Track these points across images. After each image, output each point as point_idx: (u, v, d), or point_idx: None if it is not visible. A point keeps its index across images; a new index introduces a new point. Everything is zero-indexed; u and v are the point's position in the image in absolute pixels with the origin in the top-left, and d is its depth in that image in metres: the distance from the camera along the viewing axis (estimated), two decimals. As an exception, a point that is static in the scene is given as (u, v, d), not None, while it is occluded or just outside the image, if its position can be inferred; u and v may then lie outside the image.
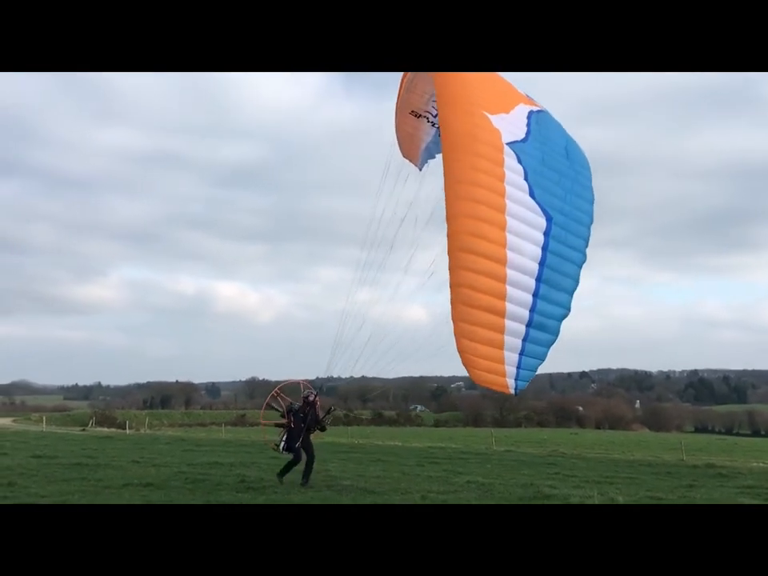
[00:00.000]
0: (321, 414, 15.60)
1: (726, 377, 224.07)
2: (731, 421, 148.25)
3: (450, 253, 9.30)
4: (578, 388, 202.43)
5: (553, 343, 10.71)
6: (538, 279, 10.02)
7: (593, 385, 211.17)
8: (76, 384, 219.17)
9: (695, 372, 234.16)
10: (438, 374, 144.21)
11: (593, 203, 11.21)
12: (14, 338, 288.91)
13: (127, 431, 51.97)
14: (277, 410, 15.76)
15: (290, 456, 15.23)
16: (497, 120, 10.07)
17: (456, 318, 9.32)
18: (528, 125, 10.69)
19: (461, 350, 9.44)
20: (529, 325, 10.08)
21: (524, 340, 10.13)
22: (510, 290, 9.64)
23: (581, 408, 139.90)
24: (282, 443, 14.99)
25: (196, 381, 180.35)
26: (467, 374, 9.84)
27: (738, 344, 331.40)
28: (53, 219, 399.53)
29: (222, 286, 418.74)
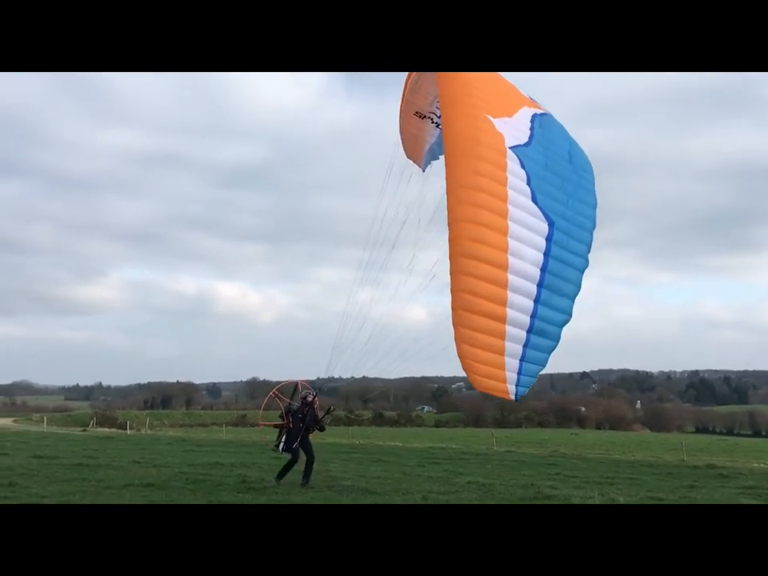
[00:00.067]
0: (320, 414, 15.63)
1: (726, 377, 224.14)
2: (732, 421, 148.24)
3: (451, 258, 9.26)
4: (578, 388, 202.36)
5: (554, 349, 10.66)
6: (540, 285, 9.97)
7: (594, 385, 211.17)
8: (77, 384, 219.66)
9: (696, 372, 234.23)
10: (439, 375, 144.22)
11: (595, 208, 11.15)
12: (14, 339, 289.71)
13: (128, 431, 52.03)
14: (282, 410, 15.78)
15: (289, 456, 15.28)
16: (500, 124, 10.02)
17: (456, 323, 9.28)
18: (531, 128, 10.64)
19: (461, 356, 9.40)
20: (530, 331, 10.03)
21: (525, 346, 10.07)
22: (511, 295, 9.60)
23: (583, 408, 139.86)
24: (282, 444, 15.03)
25: (197, 381, 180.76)
26: (468, 376, 9.82)
27: (739, 344, 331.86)
28: (53, 219, 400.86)
29: (222, 287, 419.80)
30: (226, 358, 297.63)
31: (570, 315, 10.69)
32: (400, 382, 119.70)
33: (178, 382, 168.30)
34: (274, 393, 15.93)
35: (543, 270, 10.00)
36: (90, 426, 66.93)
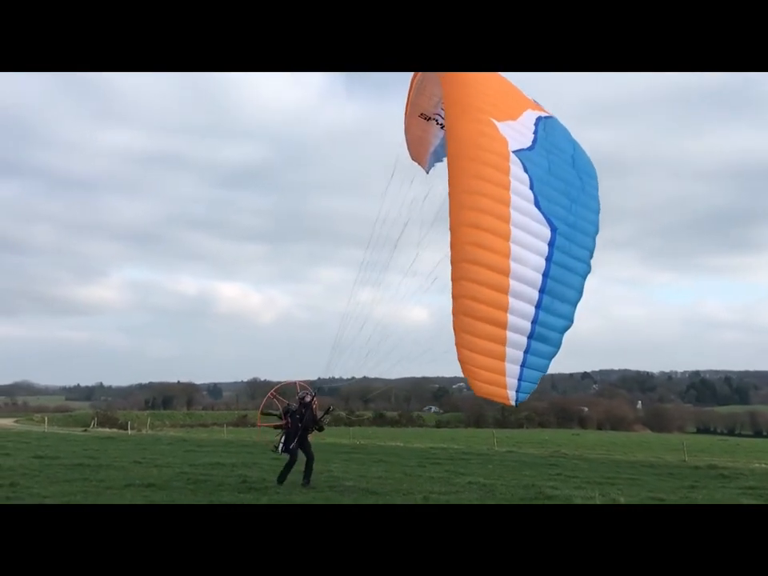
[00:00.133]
0: (319, 415, 15.65)
1: (727, 378, 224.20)
2: (733, 422, 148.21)
3: (452, 263, 9.18)
4: (579, 389, 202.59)
5: (555, 355, 10.56)
6: (542, 290, 9.88)
7: (594, 386, 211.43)
8: (78, 385, 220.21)
9: (697, 373, 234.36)
10: (440, 375, 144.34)
11: (599, 213, 11.02)
12: (15, 339, 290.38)
13: (129, 432, 52.03)
14: (273, 413, 15.86)
15: (288, 457, 15.31)
16: (504, 127, 9.92)
17: (457, 328, 9.22)
18: (535, 132, 10.53)
19: (462, 361, 9.36)
20: (531, 337, 9.94)
21: (525, 352, 9.99)
22: (512, 301, 9.52)
23: (586, 409, 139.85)
24: (281, 445, 15.07)
25: (198, 381, 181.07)
26: (469, 378, 9.78)
27: (740, 345, 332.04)
28: (54, 219, 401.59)
29: (223, 287, 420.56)
30: (227, 358, 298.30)
31: (572, 321, 10.58)
32: (401, 382, 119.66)
33: (178, 382, 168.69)
34: (272, 394, 16.01)
35: (545, 275, 9.90)
36: (91, 426, 66.96)
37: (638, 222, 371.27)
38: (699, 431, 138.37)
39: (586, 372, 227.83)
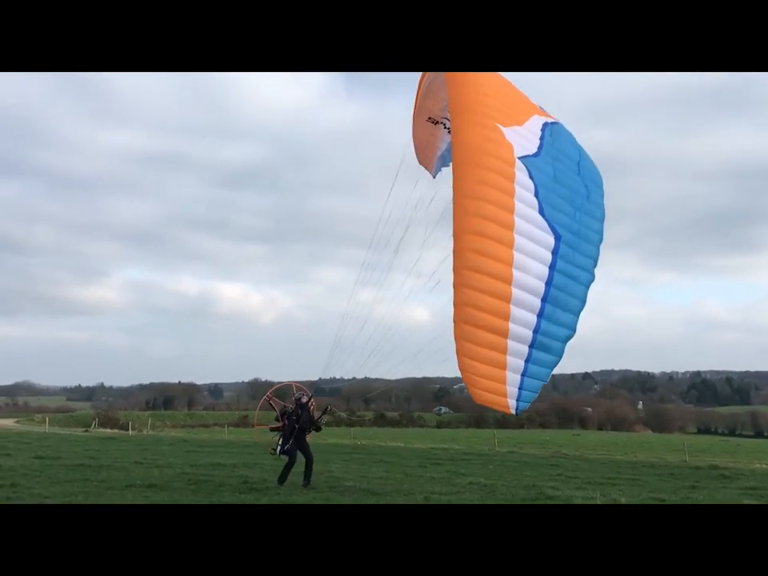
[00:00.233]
0: (316, 415, 15.66)
1: (728, 378, 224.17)
2: (734, 422, 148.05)
3: (455, 270, 9.09)
4: (580, 389, 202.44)
5: (556, 364, 10.46)
6: (544, 299, 9.81)
7: (595, 386, 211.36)
8: (79, 385, 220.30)
9: (698, 373, 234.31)
10: (441, 375, 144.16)
11: (603, 221, 10.91)
12: (16, 339, 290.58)
13: (130, 432, 52.02)
14: (276, 412, 15.85)
15: (287, 458, 15.33)
16: (509, 133, 9.82)
17: (458, 336, 9.13)
18: (541, 138, 10.43)
19: (462, 369, 9.28)
20: (532, 345, 9.87)
21: (527, 361, 9.92)
22: (514, 309, 9.44)
23: (590, 409, 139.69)
24: (279, 446, 15.08)
25: (198, 382, 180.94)
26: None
27: (741, 345, 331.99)
28: (54, 220, 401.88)
29: (224, 287, 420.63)
30: (228, 358, 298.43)
31: (574, 330, 10.43)
32: (402, 382, 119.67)
33: (179, 382, 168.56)
34: (268, 396, 16.05)
35: (548, 284, 9.81)
36: (92, 426, 66.87)
37: (638, 222, 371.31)
38: (700, 431, 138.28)
39: (587, 372, 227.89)
